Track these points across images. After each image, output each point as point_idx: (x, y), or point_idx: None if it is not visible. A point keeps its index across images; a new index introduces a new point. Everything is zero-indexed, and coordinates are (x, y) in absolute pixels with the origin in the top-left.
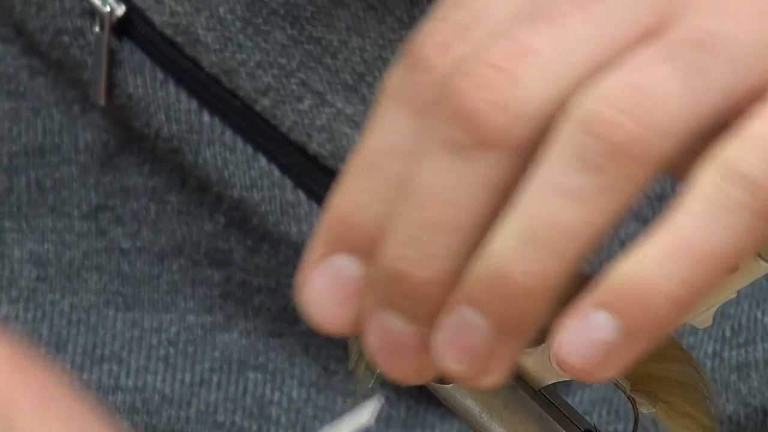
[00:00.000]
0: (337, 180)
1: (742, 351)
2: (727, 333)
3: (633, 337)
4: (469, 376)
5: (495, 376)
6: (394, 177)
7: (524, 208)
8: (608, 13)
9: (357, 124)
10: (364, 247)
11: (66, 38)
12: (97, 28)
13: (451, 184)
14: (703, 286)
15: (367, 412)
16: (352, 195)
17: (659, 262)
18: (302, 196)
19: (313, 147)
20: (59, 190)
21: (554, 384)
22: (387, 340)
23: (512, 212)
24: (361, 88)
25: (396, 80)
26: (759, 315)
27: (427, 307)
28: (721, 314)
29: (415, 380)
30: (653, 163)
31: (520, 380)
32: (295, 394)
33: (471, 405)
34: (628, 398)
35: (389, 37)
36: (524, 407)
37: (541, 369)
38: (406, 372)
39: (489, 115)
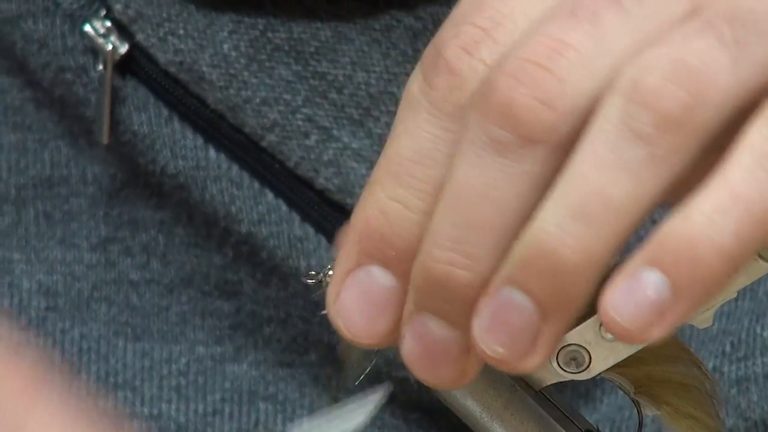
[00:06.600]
0: (345, 213)
1: (742, 365)
2: (727, 348)
3: (684, 294)
4: (512, 359)
5: (538, 359)
6: (426, 183)
7: (572, 183)
8: (644, 6)
9: (364, 158)
10: (395, 257)
11: (69, 76)
12: (100, 66)
13: (495, 183)
14: (754, 240)
15: (375, 397)
16: (382, 205)
17: (710, 217)
18: (310, 230)
19: (320, 182)
20: (68, 222)
21: (554, 384)
22: (426, 345)
23: (559, 187)
24: (367, 123)
25: (419, 85)
26: (758, 330)
27: (468, 308)
28: (723, 331)
29: (451, 385)
30: (703, 134)
31: (521, 381)
32: None
33: (471, 405)
34: (632, 401)
35: (394, 71)
36: (525, 408)
37: (542, 369)
38: (443, 377)
39: (536, 112)
